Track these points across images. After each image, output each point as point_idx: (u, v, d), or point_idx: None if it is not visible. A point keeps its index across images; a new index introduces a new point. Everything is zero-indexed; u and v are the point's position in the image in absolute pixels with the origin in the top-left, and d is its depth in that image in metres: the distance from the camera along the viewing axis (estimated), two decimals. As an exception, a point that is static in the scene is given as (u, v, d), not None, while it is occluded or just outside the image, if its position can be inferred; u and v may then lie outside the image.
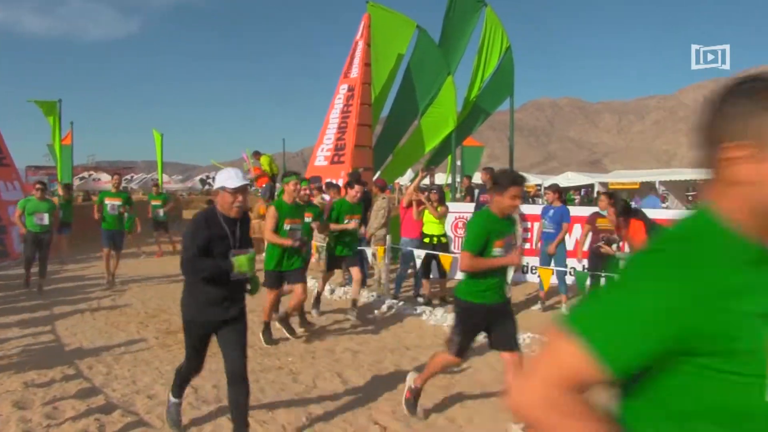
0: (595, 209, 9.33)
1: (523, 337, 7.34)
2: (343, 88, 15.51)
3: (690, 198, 25.77)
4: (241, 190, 4.10)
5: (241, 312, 4.41)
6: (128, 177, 50.98)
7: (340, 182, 12.59)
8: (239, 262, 4.10)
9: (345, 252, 8.57)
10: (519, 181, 4.56)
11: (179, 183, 57.54)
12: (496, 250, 4.55)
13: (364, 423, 4.80)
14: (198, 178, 58.96)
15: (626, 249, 8.03)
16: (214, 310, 4.21)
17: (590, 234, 8.96)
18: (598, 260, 8.52)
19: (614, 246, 8.24)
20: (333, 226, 8.41)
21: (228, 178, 4.09)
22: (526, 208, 11.22)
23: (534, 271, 10.46)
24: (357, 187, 8.80)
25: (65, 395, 5.24)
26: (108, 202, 11.07)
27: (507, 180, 4.54)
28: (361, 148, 14.75)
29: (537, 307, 9.43)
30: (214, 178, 54.59)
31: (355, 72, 15.33)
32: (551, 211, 9.46)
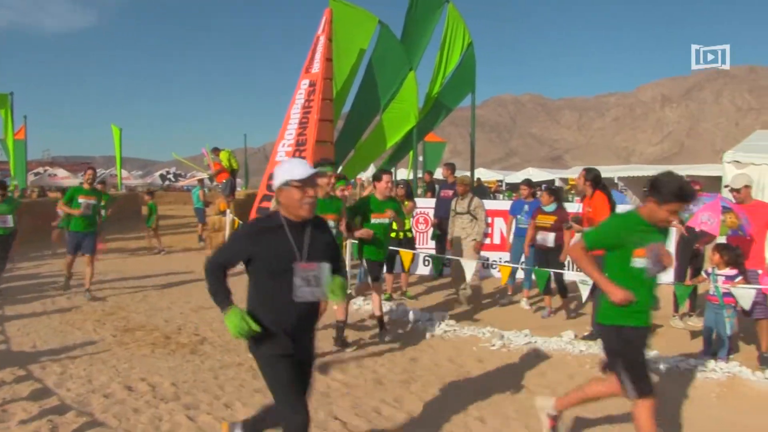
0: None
1: (483, 331, 7.42)
2: (304, 84, 15.40)
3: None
4: (311, 181, 3.27)
5: (310, 347, 3.57)
6: (86, 172, 49.95)
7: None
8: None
9: (379, 256, 7.19)
10: (688, 196, 3.74)
11: (139, 179, 56.76)
12: (638, 260, 3.77)
13: (323, 418, 4.79)
14: (158, 173, 58.25)
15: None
16: (278, 341, 3.31)
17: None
18: (541, 254, 8.54)
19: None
20: (353, 233, 7.06)
21: (292, 168, 3.27)
22: (488, 204, 11.27)
23: (494, 266, 10.53)
24: (386, 177, 7.29)
25: (16, 397, 5.10)
26: (82, 200, 9.46)
27: (672, 192, 3.69)
28: (322, 143, 14.67)
29: (504, 300, 9.49)
30: (174, 174, 54.02)
31: (317, 67, 15.24)
32: (526, 207, 9.33)
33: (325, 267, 3.35)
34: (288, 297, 3.26)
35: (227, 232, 15.21)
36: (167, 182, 51.60)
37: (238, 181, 23.78)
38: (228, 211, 15.40)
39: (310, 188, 3.25)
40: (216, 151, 17.73)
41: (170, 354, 6.55)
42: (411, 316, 8.16)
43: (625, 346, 3.82)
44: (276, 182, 3.30)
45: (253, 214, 15.20)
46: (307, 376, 3.52)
